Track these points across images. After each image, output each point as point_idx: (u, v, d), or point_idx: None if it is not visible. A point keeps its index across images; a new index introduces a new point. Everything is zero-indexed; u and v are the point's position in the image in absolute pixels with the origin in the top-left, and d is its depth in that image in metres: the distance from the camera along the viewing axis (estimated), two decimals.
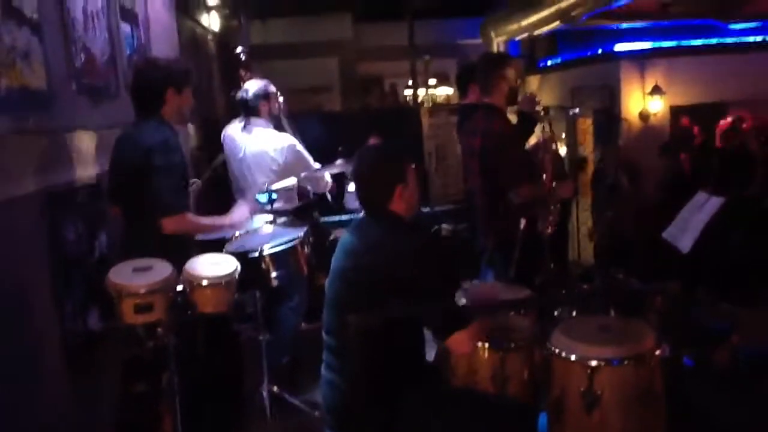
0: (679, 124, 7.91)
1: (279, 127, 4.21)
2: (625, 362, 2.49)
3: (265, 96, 4.12)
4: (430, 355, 2.79)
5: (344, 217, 4.70)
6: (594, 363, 2.48)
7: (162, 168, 2.82)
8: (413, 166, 2.55)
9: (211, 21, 7.21)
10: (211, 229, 3.25)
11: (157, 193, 2.82)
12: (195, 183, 3.51)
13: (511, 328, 2.84)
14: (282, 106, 4.30)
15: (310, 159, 4.16)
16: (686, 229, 3.68)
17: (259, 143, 4.06)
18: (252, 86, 4.16)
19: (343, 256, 2.48)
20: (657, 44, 7.71)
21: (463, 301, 2.86)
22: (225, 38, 7.62)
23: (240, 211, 3.27)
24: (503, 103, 3.77)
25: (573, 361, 2.52)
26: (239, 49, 4.42)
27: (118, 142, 3.01)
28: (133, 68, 3.46)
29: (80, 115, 3.21)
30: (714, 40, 7.84)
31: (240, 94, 4.16)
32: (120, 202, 3.06)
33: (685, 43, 7.75)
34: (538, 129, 4.01)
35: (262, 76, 4.42)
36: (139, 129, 2.96)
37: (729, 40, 7.85)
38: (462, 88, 4.54)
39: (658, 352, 2.57)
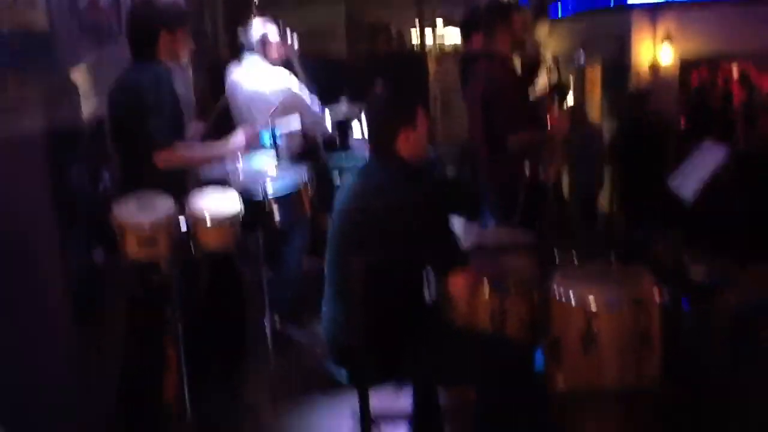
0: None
1: (289, 71, 4.16)
2: (624, 306, 2.53)
3: (261, 41, 4.07)
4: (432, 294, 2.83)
5: (349, 160, 4.69)
6: (593, 306, 2.51)
7: (153, 104, 2.80)
8: (424, 111, 2.53)
9: None
10: (206, 157, 3.22)
11: (149, 129, 2.80)
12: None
13: (512, 271, 2.87)
14: (295, 50, 4.25)
15: (308, 101, 4.11)
16: (691, 177, 3.67)
17: (255, 84, 4.02)
18: (254, 27, 4.10)
19: (346, 199, 2.49)
20: None
21: (465, 243, 2.88)
22: None
23: (237, 137, 3.23)
24: (507, 50, 3.72)
25: (572, 305, 2.56)
26: None
27: (114, 84, 2.99)
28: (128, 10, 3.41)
29: (83, 54, 3.19)
30: None
31: (242, 33, 4.12)
32: (117, 143, 3.06)
33: None
34: (543, 78, 3.98)
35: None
36: (133, 70, 2.93)
37: None
38: (465, 36, 4.48)
39: (656, 297, 2.60)
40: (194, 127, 3.42)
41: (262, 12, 5.22)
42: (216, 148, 3.22)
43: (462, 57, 4.58)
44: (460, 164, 5.02)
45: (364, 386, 2.32)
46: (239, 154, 3.25)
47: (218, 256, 2.97)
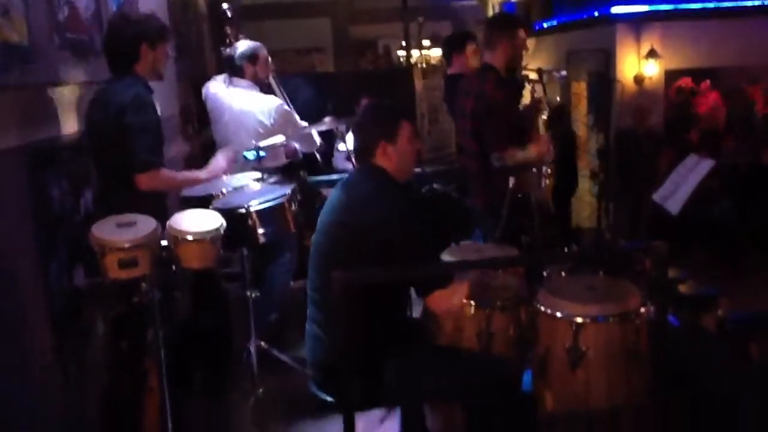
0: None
1: (265, 91, 4.15)
2: (611, 319, 2.50)
3: (251, 58, 4.06)
4: (417, 312, 2.80)
5: (333, 177, 4.68)
6: (579, 320, 2.49)
7: (135, 125, 2.80)
8: (409, 125, 2.52)
9: None
10: (187, 183, 3.23)
11: (131, 150, 2.80)
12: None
13: (498, 287, 2.85)
14: (271, 68, 4.24)
15: (297, 117, 4.12)
16: (676, 191, 3.67)
17: (244, 104, 4.01)
18: (241, 45, 4.10)
19: (330, 211, 2.47)
20: (653, 7, 7.61)
21: (448, 258, 2.86)
22: None
23: (217, 162, 3.24)
24: (502, 65, 3.71)
25: (559, 318, 2.53)
26: (225, 6, 4.35)
27: (92, 101, 2.97)
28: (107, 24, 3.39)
29: (63, 69, 3.15)
30: (711, 5, 7.75)
31: (227, 51, 4.10)
32: (95, 160, 3.03)
33: (681, 6, 7.66)
34: (527, 91, 3.98)
35: (252, 37, 4.35)
36: (112, 86, 2.93)
37: (726, 4, 7.76)
38: (447, 57, 4.49)
39: (643, 311, 2.58)
40: (178, 147, 3.41)
41: (247, 29, 5.23)
42: (200, 175, 3.22)
43: (446, 78, 4.59)
44: (447, 180, 5.01)
45: (349, 409, 2.28)
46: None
47: (201, 275, 2.93)
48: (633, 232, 6.18)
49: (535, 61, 7.08)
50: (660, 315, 2.55)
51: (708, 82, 7.88)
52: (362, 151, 2.50)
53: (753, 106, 7.84)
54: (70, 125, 3.11)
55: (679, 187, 3.74)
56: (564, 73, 5.16)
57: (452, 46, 4.29)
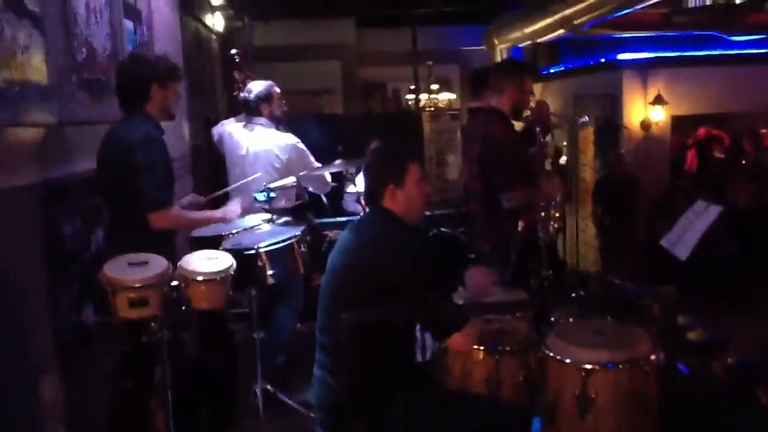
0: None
1: (279, 129, 4.22)
2: (620, 366, 2.48)
3: (266, 98, 4.14)
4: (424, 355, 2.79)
5: (340, 219, 4.70)
6: (588, 366, 2.47)
7: (145, 164, 2.83)
8: (418, 168, 2.54)
9: (215, 21, 7.23)
10: (200, 222, 3.26)
11: (142, 189, 2.82)
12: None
13: (507, 332, 2.84)
14: (283, 107, 4.31)
15: (312, 158, 4.16)
16: (684, 236, 3.67)
17: (262, 142, 4.07)
18: (255, 87, 4.17)
19: (339, 253, 2.48)
20: (659, 54, 7.72)
21: (460, 300, 2.85)
22: (228, 39, 7.63)
23: (232, 207, 3.26)
24: (509, 110, 3.76)
25: (567, 364, 2.51)
26: (233, 51, 4.43)
27: (104, 140, 3.01)
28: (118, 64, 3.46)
29: (80, 109, 3.20)
30: (716, 52, 7.85)
31: (243, 94, 4.18)
32: (106, 198, 3.06)
33: (687, 53, 7.76)
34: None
35: (262, 78, 4.43)
36: (124, 125, 2.97)
37: (731, 51, 7.86)
38: (477, 90, 4.50)
39: (653, 357, 2.56)
40: (191, 198, 3.45)
41: (257, 71, 5.31)
42: (211, 216, 3.24)
43: (469, 110, 4.62)
44: (454, 223, 5.03)
45: None
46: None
47: (209, 315, 2.94)
48: (640, 277, 6.18)
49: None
50: (668, 362, 2.54)
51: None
52: (371, 194, 2.53)
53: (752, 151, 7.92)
54: (84, 163, 3.16)
55: (687, 232, 3.75)
56: (586, 118, 5.21)
57: (486, 79, 4.30)
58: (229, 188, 3.74)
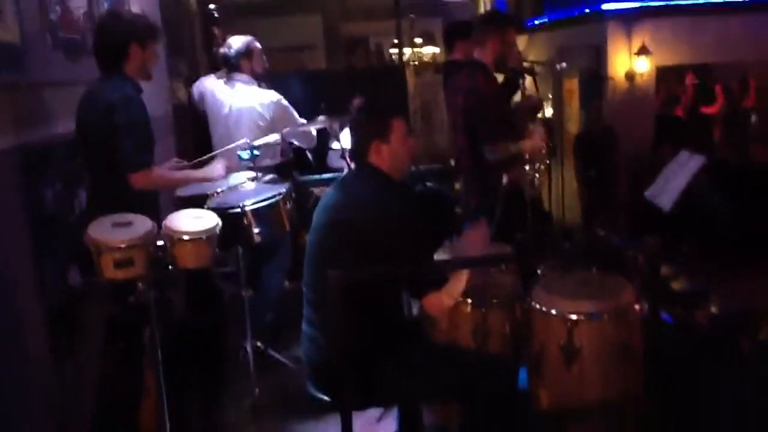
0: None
1: (261, 86, 4.16)
2: (604, 316, 2.52)
3: (246, 53, 4.07)
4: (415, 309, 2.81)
5: (326, 176, 4.68)
6: (573, 317, 2.51)
7: (125, 125, 2.79)
8: (402, 124, 2.52)
9: None
10: (182, 182, 3.24)
11: (122, 150, 2.79)
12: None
13: (493, 285, 2.86)
14: (265, 64, 4.24)
15: (296, 114, 4.12)
16: (667, 187, 3.69)
17: (245, 99, 4.02)
18: (235, 42, 4.10)
19: (325, 211, 2.48)
20: (644, 4, 7.64)
21: (445, 256, 2.87)
22: None
23: (216, 166, 3.23)
24: (491, 62, 3.73)
25: (553, 316, 2.55)
26: (212, 6, 4.33)
27: (81, 100, 2.96)
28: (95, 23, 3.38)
29: (56, 69, 3.14)
30: (701, 1, 7.79)
31: (222, 50, 4.10)
32: (86, 160, 3.02)
33: (672, 2, 7.69)
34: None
35: (242, 33, 4.34)
36: (102, 86, 2.91)
37: (716, 0, 7.80)
38: (449, 44, 4.50)
39: (637, 307, 2.60)
40: (174, 163, 3.41)
41: (238, 26, 5.21)
42: (194, 175, 3.21)
43: (445, 64, 4.59)
44: (440, 178, 5.02)
45: (346, 409, 2.29)
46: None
47: (196, 274, 2.93)
48: (624, 228, 6.23)
49: (528, 57, 7.11)
50: (652, 312, 2.58)
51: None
52: (357, 151, 2.52)
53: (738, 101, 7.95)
54: (63, 125, 3.11)
55: (669, 183, 3.76)
56: (564, 65, 5.18)
57: (458, 32, 4.29)
58: (214, 153, 3.70)
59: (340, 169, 4.30)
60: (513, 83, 4.01)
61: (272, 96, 4.04)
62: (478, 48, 3.74)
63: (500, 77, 4.00)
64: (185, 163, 3.46)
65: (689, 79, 8.53)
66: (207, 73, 4.71)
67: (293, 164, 4.49)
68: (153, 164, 2.92)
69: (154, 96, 4.34)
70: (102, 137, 2.84)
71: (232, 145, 3.65)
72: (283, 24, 10.18)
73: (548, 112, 7.57)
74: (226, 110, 4.07)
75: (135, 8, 4.37)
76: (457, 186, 4.63)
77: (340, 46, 11.57)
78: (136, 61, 2.95)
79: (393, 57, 11.06)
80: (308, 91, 5.62)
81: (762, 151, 7.70)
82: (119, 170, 2.83)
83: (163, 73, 4.94)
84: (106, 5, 3.92)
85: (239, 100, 4.03)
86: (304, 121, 4.08)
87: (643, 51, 7.36)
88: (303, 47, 10.77)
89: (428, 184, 4.71)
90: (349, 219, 2.38)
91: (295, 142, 4.21)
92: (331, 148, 5.03)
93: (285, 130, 3.96)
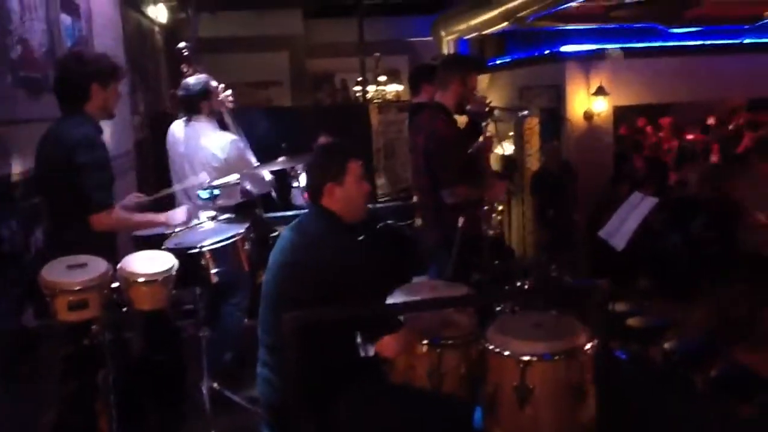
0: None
1: (221, 123, 4.16)
2: (556, 357, 2.55)
3: (203, 94, 4.03)
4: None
5: (289, 213, 4.69)
6: (526, 358, 2.53)
7: (86, 165, 2.80)
8: (357, 166, 2.55)
9: (158, 13, 7.11)
10: (143, 225, 3.23)
11: (84, 191, 2.79)
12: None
13: (449, 324, 2.89)
14: (229, 101, 4.24)
15: (251, 156, 4.13)
16: (621, 228, 3.79)
17: (200, 140, 4.02)
18: (192, 84, 4.07)
19: (279, 252, 2.50)
20: (602, 46, 7.88)
21: (401, 297, 2.89)
22: (173, 31, 7.52)
23: (178, 211, 3.24)
24: (453, 105, 3.80)
25: (506, 356, 2.57)
26: (182, 45, 4.34)
27: (42, 139, 2.95)
28: (56, 62, 3.38)
29: (17, 108, 3.14)
30: (657, 44, 8.06)
31: (180, 92, 4.10)
32: (45, 199, 3.01)
33: (628, 45, 7.95)
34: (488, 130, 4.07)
35: (209, 70, 4.34)
36: (62, 125, 2.92)
37: (671, 43, 8.08)
38: (414, 87, 4.56)
39: (588, 347, 2.65)
40: (134, 197, 3.40)
41: (204, 62, 5.23)
42: (156, 219, 3.21)
43: (410, 106, 4.66)
44: (401, 216, 5.07)
45: None
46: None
47: (154, 314, 2.92)
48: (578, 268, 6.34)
49: (489, 96, 7.26)
50: (602, 353, 2.62)
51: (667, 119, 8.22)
52: (311, 192, 2.54)
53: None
54: (22, 164, 3.09)
55: (623, 223, 3.87)
56: (526, 112, 5.29)
57: (423, 75, 4.35)
58: (172, 189, 3.70)
59: (303, 207, 4.30)
60: (476, 127, 4.09)
61: (228, 137, 4.03)
62: (440, 91, 3.82)
63: (463, 120, 4.08)
64: (145, 197, 3.45)
65: (641, 123, 8.78)
66: (172, 108, 4.72)
67: (257, 202, 4.49)
68: (113, 205, 2.92)
69: (117, 134, 4.34)
70: (62, 176, 2.83)
71: (191, 181, 3.64)
72: (250, 60, 10.26)
73: (509, 149, 7.72)
74: (182, 149, 4.06)
75: (98, 46, 4.40)
76: (419, 222, 4.68)
77: (306, 82, 11.67)
78: (98, 101, 2.96)
79: (357, 94, 11.20)
80: (273, 128, 5.64)
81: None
82: (79, 210, 2.82)
83: (125, 109, 4.94)
84: (69, 43, 3.94)
85: (195, 140, 4.01)
86: (257, 163, 4.08)
87: (600, 92, 7.57)
88: (269, 83, 10.86)
89: (389, 221, 4.75)
90: (302, 260, 2.40)
91: (248, 187, 4.18)
92: (293, 187, 5.05)
93: (243, 173, 3.95)
